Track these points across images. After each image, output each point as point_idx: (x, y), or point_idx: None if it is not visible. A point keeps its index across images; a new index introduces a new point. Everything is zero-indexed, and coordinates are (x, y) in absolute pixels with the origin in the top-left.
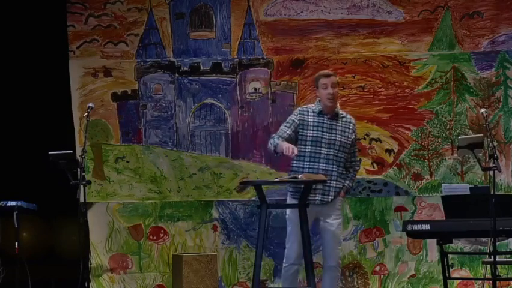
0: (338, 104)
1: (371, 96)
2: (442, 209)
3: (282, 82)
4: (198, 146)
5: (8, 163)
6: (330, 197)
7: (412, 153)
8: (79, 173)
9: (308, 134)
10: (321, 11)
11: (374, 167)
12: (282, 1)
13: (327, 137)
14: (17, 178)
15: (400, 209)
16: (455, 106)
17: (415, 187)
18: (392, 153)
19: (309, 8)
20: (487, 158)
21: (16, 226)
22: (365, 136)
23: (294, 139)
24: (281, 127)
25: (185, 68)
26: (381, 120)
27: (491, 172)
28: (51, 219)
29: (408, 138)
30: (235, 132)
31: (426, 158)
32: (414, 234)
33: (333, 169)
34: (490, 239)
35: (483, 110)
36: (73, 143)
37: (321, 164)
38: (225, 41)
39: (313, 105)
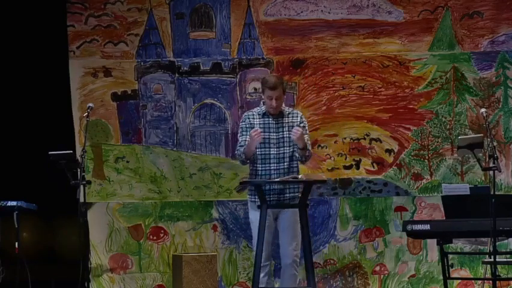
0: (283, 104)
1: (371, 96)
2: (442, 209)
3: None
4: (198, 146)
5: (8, 163)
6: (287, 196)
7: (412, 153)
8: (79, 173)
9: None
10: (321, 11)
11: (374, 167)
12: (282, 1)
13: (275, 137)
14: (17, 178)
15: (400, 209)
16: (455, 106)
17: (415, 187)
18: (392, 153)
19: (309, 8)
20: (487, 158)
21: (16, 226)
22: (365, 136)
23: None
24: (239, 138)
25: (185, 68)
26: (381, 120)
27: (491, 172)
28: (51, 219)
29: (408, 138)
30: (235, 132)
31: (426, 158)
32: (414, 234)
33: (285, 167)
34: (490, 239)
35: (483, 110)
36: (73, 143)
37: (272, 165)
38: (225, 41)
39: (258, 108)
